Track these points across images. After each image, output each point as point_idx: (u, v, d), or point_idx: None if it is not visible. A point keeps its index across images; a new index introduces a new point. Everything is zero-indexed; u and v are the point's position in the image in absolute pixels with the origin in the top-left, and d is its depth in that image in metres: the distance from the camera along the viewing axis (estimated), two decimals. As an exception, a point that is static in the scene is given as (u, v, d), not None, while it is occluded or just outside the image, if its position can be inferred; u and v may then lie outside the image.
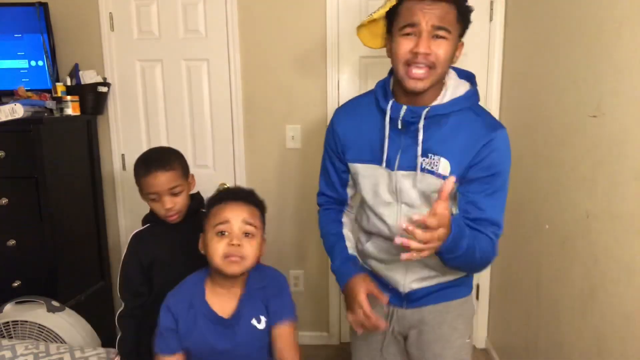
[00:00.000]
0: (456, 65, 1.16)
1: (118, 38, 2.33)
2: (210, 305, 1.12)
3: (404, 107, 1.11)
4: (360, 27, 1.18)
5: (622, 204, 1.27)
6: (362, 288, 1.12)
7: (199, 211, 1.46)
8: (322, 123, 2.32)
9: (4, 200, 1.99)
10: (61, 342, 1.73)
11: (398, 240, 0.91)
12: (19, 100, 2.05)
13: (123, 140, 2.42)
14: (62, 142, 2.14)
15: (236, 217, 1.09)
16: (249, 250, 1.09)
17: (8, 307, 1.79)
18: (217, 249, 1.08)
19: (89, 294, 2.29)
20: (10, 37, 2.22)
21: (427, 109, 1.09)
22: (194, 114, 2.38)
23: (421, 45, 1.02)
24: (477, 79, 1.20)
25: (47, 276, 2.06)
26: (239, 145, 2.38)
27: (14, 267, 2.05)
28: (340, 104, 2.31)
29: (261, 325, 1.12)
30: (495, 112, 2.22)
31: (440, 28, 1.02)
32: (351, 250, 1.28)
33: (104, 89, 2.29)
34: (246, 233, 1.10)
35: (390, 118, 1.13)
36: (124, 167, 2.44)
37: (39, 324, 1.74)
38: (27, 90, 2.19)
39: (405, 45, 1.04)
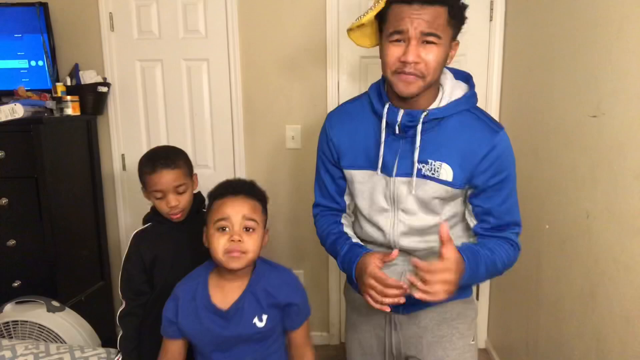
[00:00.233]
0: (456, 64, 1.15)
1: (118, 38, 2.33)
2: (211, 297, 1.13)
3: (401, 111, 1.08)
4: (349, 29, 1.13)
5: (622, 204, 1.27)
6: (371, 261, 1.05)
7: (201, 210, 1.47)
8: (322, 123, 2.32)
9: (4, 200, 1.99)
10: (61, 342, 1.73)
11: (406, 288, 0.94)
12: (19, 100, 2.05)
13: (123, 140, 2.42)
14: (62, 142, 2.14)
15: (236, 213, 1.09)
16: (250, 244, 1.09)
17: (8, 307, 1.79)
18: (219, 245, 1.08)
19: (89, 294, 2.29)
20: (10, 37, 2.22)
21: (424, 113, 1.06)
22: (194, 114, 2.38)
23: (409, 54, 0.99)
24: (477, 79, 1.19)
25: (47, 276, 2.06)
26: (239, 145, 2.38)
27: (14, 267, 2.05)
28: (340, 104, 2.34)
29: (262, 324, 1.12)
30: (495, 112, 2.22)
31: (429, 34, 0.98)
32: (355, 239, 1.22)
33: (104, 89, 2.29)
34: (247, 228, 1.10)
35: (387, 122, 1.10)
36: (124, 167, 2.44)
37: (39, 324, 1.74)
38: (27, 90, 2.19)
39: (393, 53, 1.01)
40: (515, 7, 2.08)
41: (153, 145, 2.38)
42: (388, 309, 1.02)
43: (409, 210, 1.13)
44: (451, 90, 1.10)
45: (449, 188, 1.09)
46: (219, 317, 1.11)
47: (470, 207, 1.15)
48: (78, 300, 2.19)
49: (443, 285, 0.94)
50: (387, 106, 1.10)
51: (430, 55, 1.00)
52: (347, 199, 1.27)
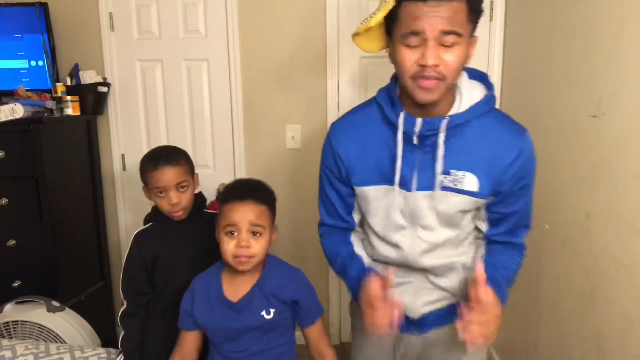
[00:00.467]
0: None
1: (118, 38, 2.33)
2: (223, 289, 1.20)
3: (419, 120, 0.97)
4: (355, 35, 1.03)
5: (622, 204, 1.27)
6: (370, 283, 0.97)
7: (202, 210, 1.48)
8: (322, 123, 2.32)
9: (4, 200, 1.99)
10: (61, 342, 1.73)
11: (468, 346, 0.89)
12: (19, 100, 2.05)
13: (123, 141, 2.42)
14: (62, 142, 2.14)
15: (243, 219, 1.12)
16: (257, 248, 1.14)
17: (8, 307, 1.79)
18: (227, 249, 1.13)
19: (89, 294, 2.29)
20: (10, 37, 2.22)
21: (446, 120, 0.96)
22: (194, 114, 2.38)
23: (429, 57, 0.88)
24: (477, 79, 1.16)
25: (47, 276, 2.06)
26: (239, 145, 2.38)
27: (14, 267, 2.05)
28: (339, 105, 2.34)
29: (269, 316, 1.18)
30: (495, 112, 2.22)
31: (449, 33, 0.87)
32: (367, 264, 1.12)
33: (104, 89, 2.29)
34: (254, 232, 1.14)
35: (404, 132, 1.00)
36: (124, 167, 2.44)
37: (39, 324, 1.74)
38: (27, 90, 2.19)
39: (409, 57, 0.90)
40: (515, 7, 2.08)
41: (153, 145, 2.38)
42: (384, 331, 0.95)
43: (428, 226, 1.05)
44: (469, 93, 1.01)
45: (475, 199, 1.01)
46: (230, 309, 1.17)
47: (484, 213, 1.07)
48: (78, 300, 2.19)
49: (497, 328, 0.92)
50: (402, 115, 1.00)
51: (451, 56, 0.89)
52: (356, 216, 1.18)
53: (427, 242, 1.07)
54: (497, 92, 2.24)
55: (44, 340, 1.72)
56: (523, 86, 1.98)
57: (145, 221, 1.47)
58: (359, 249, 1.16)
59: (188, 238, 1.42)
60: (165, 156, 1.38)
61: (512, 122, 1.04)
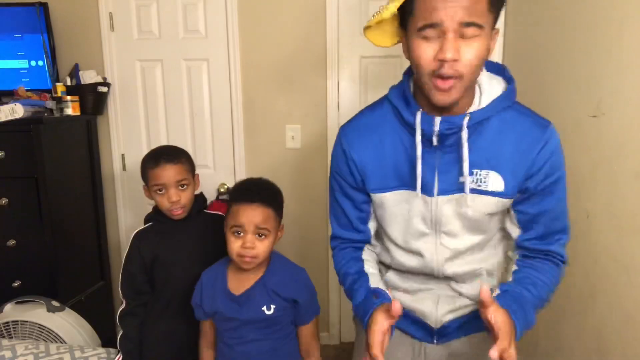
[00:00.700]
0: None
1: (118, 38, 2.33)
2: (228, 283, 1.25)
3: (438, 119, 0.90)
4: (367, 28, 0.96)
5: (622, 203, 1.27)
6: (377, 322, 0.89)
7: (202, 211, 1.49)
8: (322, 123, 2.32)
9: (4, 200, 1.99)
10: (61, 342, 1.73)
11: None
12: (19, 100, 2.05)
13: (123, 140, 2.42)
14: (62, 142, 2.14)
15: (249, 222, 1.16)
16: (261, 249, 1.18)
17: (8, 307, 1.79)
18: (233, 248, 1.18)
19: (89, 294, 2.29)
20: (10, 37, 2.22)
21: (467, 117, 0.89)
22: (194, 114, 2.38)
23: (447, 50, 0.80)
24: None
25: (47, 276, 2.06)
26: (239, 145, 2.38)
27: (14, 267, 2.05)
28: (339, 105, 2.34)
29: (270, 312, 1.21)
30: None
31: (470, 24, 0.80)
32: (375, 284, 1.04)
33: (104, 89, 2.29)
34: (260, 234, 1.18)
35: (422, 132, 0.93)
36: (124, 167, 2.44)
37: (39, 324, 1.74)
38: (27, 90, 2.19)
39: (427, 52, 0.83)
40: (515, 7, 2.08)
41: (153, 145, 2.38)
42: None
43: (451, 232, 0.99)
44: (489, 87, 0.94)
45: (501, 199, 0.94)
46: (232, 302, 1.22)
47: (513, 214, 0.99)
48: (78, 300, 2.19)
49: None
50: (419, 114, 0.92)
51: (471, 50, 0.82)
52: (372, 226, 1.10)
53: (451, 249, 1.00)
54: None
55: (44, 340, 1.71)
56: (523, 86, 1.97)
57: (146, 221, 1.48)
58: (369, 266, 1.08)
59: (187, 238, 1.42)
60: (166, 154, 1.39)
61: (535, 115, 0.97)
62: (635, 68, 1.21)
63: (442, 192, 0.96)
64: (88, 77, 2.26)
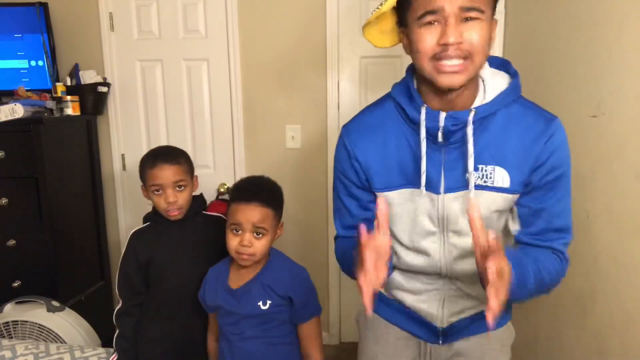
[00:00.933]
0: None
1: (118, 38, 2.33)
2: (229, 277, 1.28)
3: (443, 114, 0.89)
4: (366, 25, 0.96)
5: (622, 204, 1.27)
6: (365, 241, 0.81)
7: (200, 213, 1.48)
8: (322, 123, 2.32)
9: (4, 200, 1.99)
10: (61, 342, 1.73)
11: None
12: (19, 100, 2.05)
13: (123, 140, 2.42)
14: (62, 142, 2.14)
15: (247, 221, 1.18)
16: (258, 248, 1.20)
17: (8, 307, 1.79)
18: (231, 244, 1.21)
19: (89, 294, 2.29)
20: (10, 37, 2.22)
21: (472, 112, 0.88)
22: (194, 114, 2.38)
23: (450, 34, 0.79)
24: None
25: (47, 276, 2.06)
26: (239, 145, 2.38)
27: (14, 267, 2.05)
28: (339, 105, 2.34)
29: (265, 307, 1.23)
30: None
31: (470, 9, 0.80)
32: None
33: (104, 89, 2.29)
34: (257, 232, 1.20)
35: (426, 129, 0.91)
36: (124, 167, 2.44)
37: (39, 324, 1.74)
38: (27, 90, 2.19)
39: (428, 38, 0.82)
40: (515, 6, 2.08)
41: (153, 145, 2.37)
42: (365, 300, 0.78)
43: (460, 231, 0.96)
44: (493, 82, 0.93)
45: (507, 195, 0.93)
46: (231, 296, 1.25)
47: (515, 209, 0.96)
48: (78, 300, 2.19)
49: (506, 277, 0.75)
50: (424, 110, 0.90)
51: (474, 33, 0.81)
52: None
53: (460, 248, 0.98)
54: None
55: (44, 340, 1.72)
56: (523, 86, 1.97)
57: (145, 220, 1.47)
58: None
59: (183, 240, 1.41)
60: (164, 154, 1.39)
61: (541, 109, 0.95)
62: (635, 68, 1.21)
63: (448, 190, 0.94)
64: (88, 77, 2.26)
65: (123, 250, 1.44)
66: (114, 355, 1.44)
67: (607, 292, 1.34)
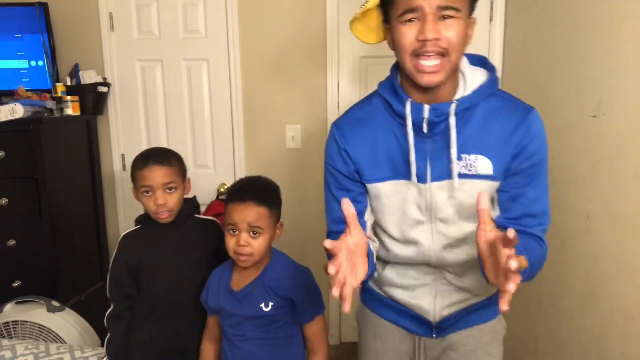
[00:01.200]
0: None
1: (118, 38, 2.33)
2: (231, 279, 1.27)
3: (426, 107, 0.94)
4: (353, 21, 1.04)
5: (622, 204, 1.27)
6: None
7: (192, 216, 1.45)
8: (322, 123, 2.32)
9: (4, 200, 1.99)
10: (61, 342, 1.73)
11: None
12: (19, 100, 2.05)
13: (123, 140, 2.42)
14: (62, 142, 2.14)
15: (242, 220, 1.18)
16: (256, 247, 1.19)
17: (8, 307, 1.79)
18: (229, 246, 1.20)
19: (89, 294, 2.29)
20: (10, 37, 2.22)
21: (454, 104, 0.93)
22: (194, 114, 2.38)
23: (428, 30, 0.85)
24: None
25: (47, 276, 2.06)
26: (239, 145, 2.38)
27: (14, 267, 2.05)
28: (339, 105, 2.34)
29: (267, 309, 1.22)
30: (495, 112, 2.22)
31: (447, 7, 0.86)
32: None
33: (104, 89, 2.29)
34: (254, 232, 1.19)
35: (412, 122, 0.96)
36: (124, 167, 2.44)
37: (39, 324, 1.74)
38: (27, 90, 2.19)
39: (408, 34, 0.88)
40: (515, 7, 2.08)
41: (153, 145, 2.39)
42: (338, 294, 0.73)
43: (446, 219, 1.00)
44: (473, 77, 0.98)
45: (491, 182, 0.97)
46: (233, 297, 1.24)
47: (495, 196, 1.00)
48: (78, 300, 2.19)
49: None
50: (408, 103, 0.96)
51: (451, 31, 0.87)
52: (368, 218, 1.10)
53: (447, 236, 1.02)
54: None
55: (44, 340, 1.72)
56: (523, 86, 1.98)
57: (136, 222, 1.44)
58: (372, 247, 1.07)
59: (174, 243, 1.38)
60: (155, 155, 1.36)
61: (519, 100, 1.01)
62: (635, 68, 1.21)
63: (434, 179, 0.98)
64: (88, 77, 2.26)
65: (114, 253, 1.42)
66: (104, 358, 1.41)
67: (607, 292, 1.34)
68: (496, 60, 2.19)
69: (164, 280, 1.37)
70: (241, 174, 2.39)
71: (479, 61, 1.03)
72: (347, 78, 2.29)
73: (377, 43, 1.06)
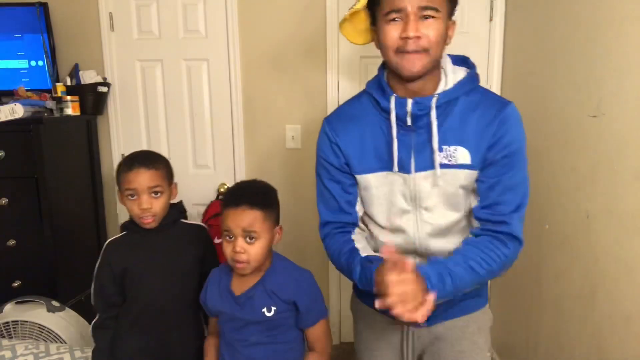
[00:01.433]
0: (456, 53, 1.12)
1: (118, 38, 2.33)
2: (230, 282, 1.24)
3: (410, 101, 1.02)
4: (343, 22, 1.12)
5: (622, 204, 1.27)
6: (384, 269, 0.91)
7: (178, 222, 1.42)
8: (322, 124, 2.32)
9: (4, 200, 1.99)
10: (61, 342, 1.73)
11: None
12: (19, 100, 2.05)
13: (123, 140, 2.42)
14: (62, 142, 2.14)
15: (236, 226, 1.14)
16: (252, 254, 1.15)
17: (8, 307, 1.79)
18: (226, 253, 1.17)
19: (89, 294, 2.27)
20: (10, 37, 2.22)
21: (435, 97, 1.02)
22: (194, 114, 2.38)
23: (410, 29, 0.95)
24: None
25: (47, 276, 2.06)
26: (239, 145, 2.38)
27: (14, 267, 2.05)
28: (340, 105, 2.33)
29: (270, 313, 1.20)
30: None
31: (427, 8, 0.95)
32: (366, 254, 1.10)
33: (104, 89, 2.29)
34: (249, 237, 1.15)
35: (396, 115, 1.04)
36: (124, 167, 2.44)
37: (39, 324, 1.74)
38: (27, 90, 2.19)
39: (392, 32, 0.98)
40: (515, 7, 2.08)
41: (153, 145, 2.40)
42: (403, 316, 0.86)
43: (430, 208, 1.07)
44: (454, 72, 1.07)
45: (470, 171, 1.04)
46: (234, 301, 1.21)
47: (475, 186, 1.07)
48: (78, 300, 2.19)
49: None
50: (393, 98, 1.04)
51: (431, 30, 0.97)
52: (359, 209, 1.17)
53: (431, 224, 1.08)
54: (497, 92, 2.24)
55: (44, 340, 1.72)
56: (523, 86, 1.98)
57: (122, 228, 1.41)
58: (358, 243, 1.14)
59: (160, 250, 1.35)
60: (141, 158, 1.33)
61: (498, 96, 1.09)
62: (635, 68, 1.21)
63: (418, 170, 1.05)
64: (88, 77, 2.26)
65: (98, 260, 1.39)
66: None
67: (607, 292, 1.34)
68: (496, 60, 2.19)
69: (150, 287, 1.33)
70: (241, 173, 2.39)
71: (461, 60, 1.11)
72: (347, 78, 2.29)
73: (364, 44, 1.17)
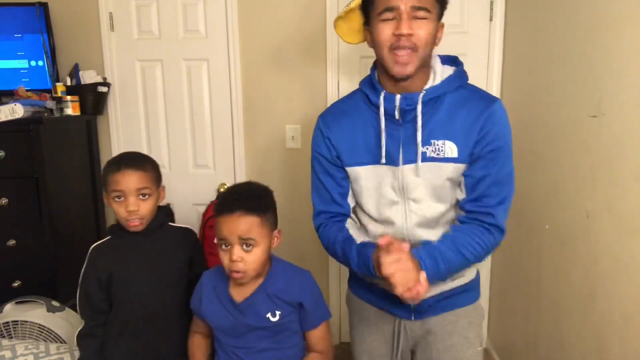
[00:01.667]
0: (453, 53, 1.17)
1: (118, 38, 2.33)
2: (229, 289, 1.19)
3: (398, 96, 1.08)
4: (337, 20, 1.18)
5: (622, 204, 1.27)
6: (381, 251, 0.99)
7: (166, 225, 1.39)
8: (322, 123, 2.32)
9: (4, 200, 1.99)
10: (61, 342, 1.73)
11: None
12: (19, 100, 2.05)
13: (123, 140, 2.42)
14: (62, 142, 2.14)
15: (231, 233, 1.09)
16: (250, 262, 1.10)
17: (8, 307, 1.79)
18: (224, 263, 1.13)
19: (89, 294, 2.28)
20: (10, 37, 2.22)
21: (423, 93, 1.07)
22: (194, 114, 2.38)
23: (403, 27, 1.01)
24: (477, 79, 1.21)
25: (47, 276, 2.06)
26: (239, 145, 2.38)
27: (14, 267, 2.05)
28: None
29: (275, 318, 1.17)
30: (495, 112, 2.22)
31: (419, 8, 1.01)
32: (361, 240, 1.17)
33: (104, 89, 2.29)
34: (246, 244, 1.10)
35: (385, 110, 1.09)
36: (124, 167, 2.44)
37: (39, 324, 1.74)
38: (27, 90, 2.19)
39: (386, 30, 1.03)
40: (515, 7, 2.08)
41: (153, 145, 2.40)
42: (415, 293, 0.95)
43: (418, 199, 1.11)
44: (442, 71, 1.12)
45: (456, 165, 1.08)
46: (235, 309, 1.17)
47: (462, 180, 1.11)
48: (78, 300, 2.19)
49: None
50: (382, 94, 1.10)
51: (422, 29, 1.02)
52: (351, 201, 1.22)
53: (419, 215, 1.12)
54: (497, 92, 2.25)
55: (44, 340, 1.72)
56: (523, 86, 1.98)
57: (108, 232, 1.39)
58: (352, 231, 1.19)
59: (147, 254, 1.33)
60: (129, 159, 1.30)
61: (485, 92, 1.13)
62: (635, 68, 1.21)
63: (406, 162, 1.10)
64: (88, 77, 2.26)
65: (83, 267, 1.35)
66: None
67: (607, 292, 1.34)
68: (496, 60, 2.19)
69: (138, 292, 1.31)
70: (241, 173, 2.40)
71: (450, 60, 1.16)
72: (347, 78, 2.29)
73: (358, 43, 1.23)
